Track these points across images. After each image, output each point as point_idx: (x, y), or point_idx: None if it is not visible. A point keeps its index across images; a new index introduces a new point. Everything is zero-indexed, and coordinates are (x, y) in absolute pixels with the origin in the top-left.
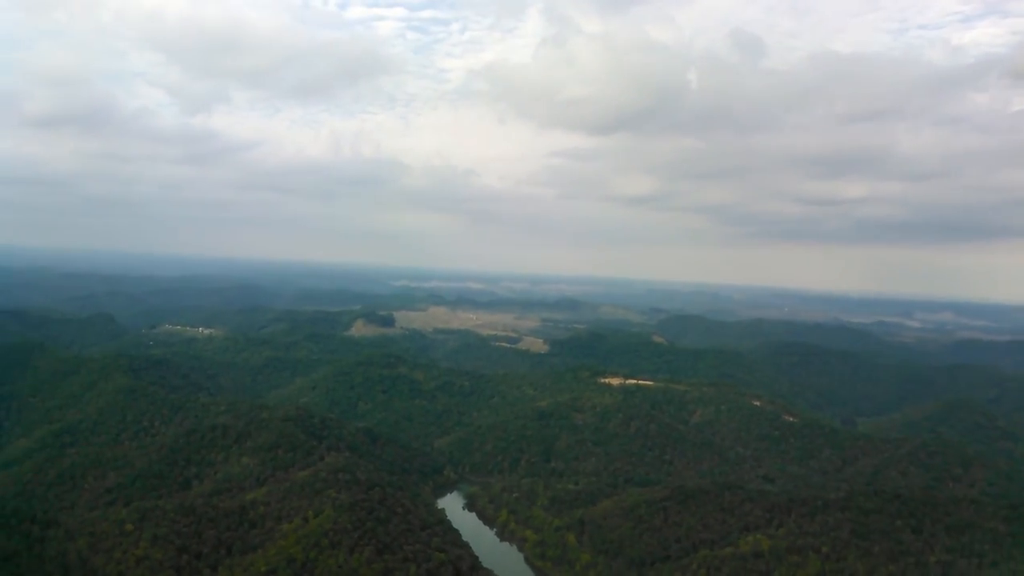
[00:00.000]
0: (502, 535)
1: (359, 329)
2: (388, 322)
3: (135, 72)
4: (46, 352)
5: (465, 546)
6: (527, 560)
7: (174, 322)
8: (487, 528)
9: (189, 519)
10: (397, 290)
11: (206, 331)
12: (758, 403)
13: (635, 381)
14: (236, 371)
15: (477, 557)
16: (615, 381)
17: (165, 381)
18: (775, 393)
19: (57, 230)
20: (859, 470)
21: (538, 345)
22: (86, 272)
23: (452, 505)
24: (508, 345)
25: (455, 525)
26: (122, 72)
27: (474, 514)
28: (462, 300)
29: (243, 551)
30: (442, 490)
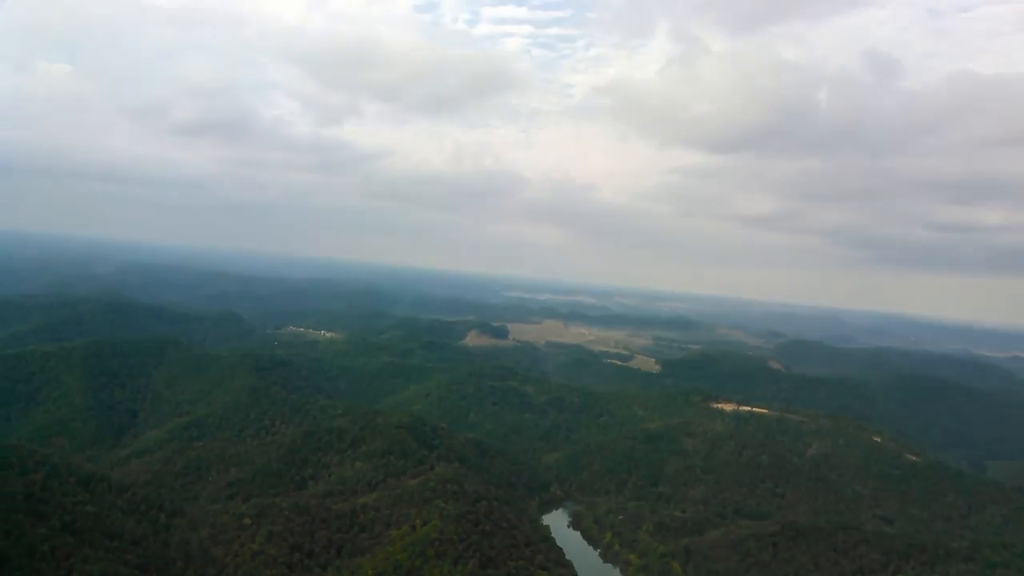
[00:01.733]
0: (606, 557)
1: (473, 339)
2: (501, 333)
3: (273, 84)
4: (180, 348)
5: (568, 565)
6: None
7: (298, 324)
8: (591, 548)
9: (303, 518)
10: (511, 301)
11: (327, 334)
12: (878, 439)
13: (749, 408)
14: (354, 375)
15: None
16: (728, 407)
17: (287, 382)
18: (897, 429)
19: (194, 230)
20: (987, 519)
21: (650, 364)
22: (218, 271)
23: (557, 522)
24: (620, 363)
25: (559, 543)
26: (261, 83)
27: (579, 533)
28: (575, 314)
29: (352, 554)
30: (548, 507)
